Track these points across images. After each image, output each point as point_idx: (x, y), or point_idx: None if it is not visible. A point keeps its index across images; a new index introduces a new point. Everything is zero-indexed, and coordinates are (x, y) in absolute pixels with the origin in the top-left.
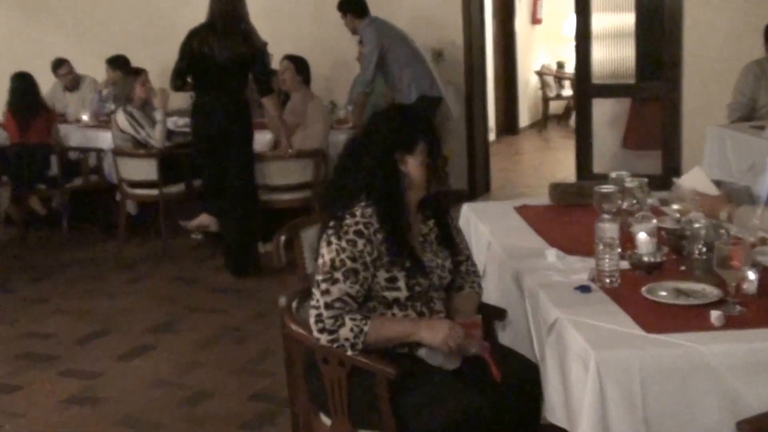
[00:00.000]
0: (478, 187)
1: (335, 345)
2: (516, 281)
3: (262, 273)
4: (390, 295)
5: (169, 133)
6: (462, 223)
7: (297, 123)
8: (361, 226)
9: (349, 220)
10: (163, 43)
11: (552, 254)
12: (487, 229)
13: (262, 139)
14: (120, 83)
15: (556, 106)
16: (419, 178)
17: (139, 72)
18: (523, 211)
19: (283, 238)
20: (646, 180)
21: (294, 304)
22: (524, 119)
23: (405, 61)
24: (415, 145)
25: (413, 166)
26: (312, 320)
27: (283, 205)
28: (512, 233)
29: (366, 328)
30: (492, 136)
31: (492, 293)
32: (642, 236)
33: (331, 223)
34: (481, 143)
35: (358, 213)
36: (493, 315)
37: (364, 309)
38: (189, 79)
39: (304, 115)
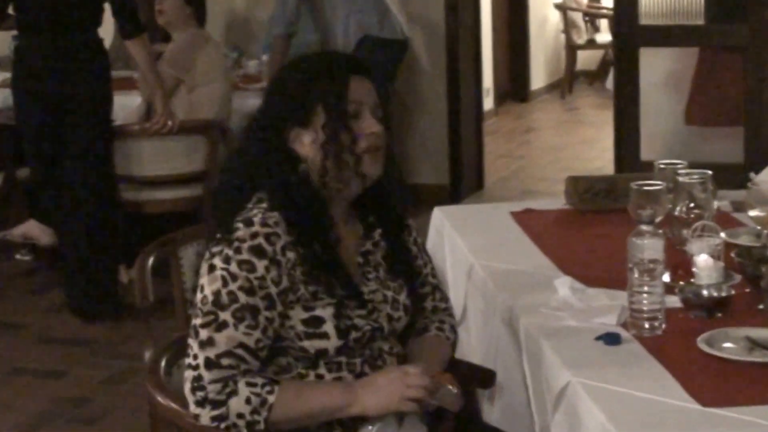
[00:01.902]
0: (466, 182)
1: (223, 425)
2: (510, 327)
3: (123, 314)
4: (312, 345)
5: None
6: (432, 236)
7: (181, 80)
8: (261, 240)
9: (242, 232)
10: None
11: (564, 285)
12: (468, 247)
13: (126, 105)
14: None
15: (586, 59)
16: (319, 167)
17: None
18: (524, 218)
19: (151, 260)
20: (710, 173)
21: (163, 363)
22: (538, 78)
23: None
24: (310, 114)
25: (307, 147)
26: (188, 387)
27: (160, 209)
28: (506, 253)
29: (272, 399)
30: (489, 103)
31: (474, 346)
32: (702, 259)
33: (217, 237)
34: (470, 115)
35: (256, 220)
36: (475, 379)
37: (271, 370)
38: (10, 11)
39: (192, 69)
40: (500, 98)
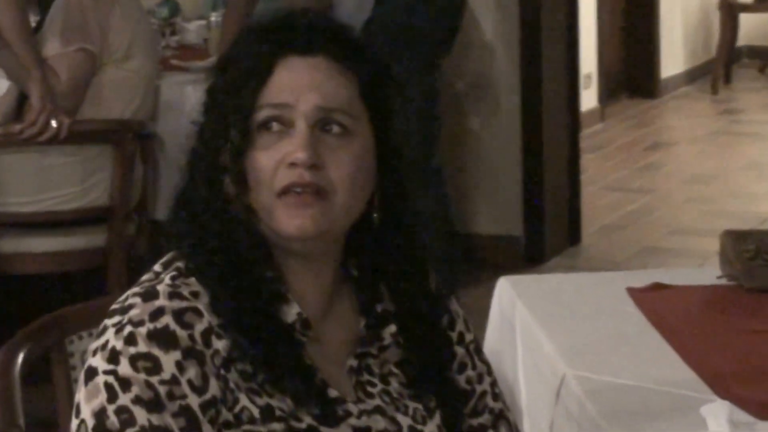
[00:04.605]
0: (552, 234)
1: None
2: None
3: None
4: None
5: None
6: (494, 324)
7: (93, 53)
8: (168, 320)
9: (137, 310)
10: None
11: (718, 414)
12: (556, 346)
13: None
14: None
15: (755, 28)
16: (268, 210)
17: None
18: (649, 300)
19: (21, 357)
20: None
21: None
22: (673, 60)
23: None
24: (227, 129)
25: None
26: None
27: (34, 268)
28: (620, 358)
29: None
30: (590, 100)
31: None
32: None
33: (105, 321)
34: (558, 119)
35: (161, 290)
36: None
37: None
38: None
39: (95, 39)
40: (610, 92)
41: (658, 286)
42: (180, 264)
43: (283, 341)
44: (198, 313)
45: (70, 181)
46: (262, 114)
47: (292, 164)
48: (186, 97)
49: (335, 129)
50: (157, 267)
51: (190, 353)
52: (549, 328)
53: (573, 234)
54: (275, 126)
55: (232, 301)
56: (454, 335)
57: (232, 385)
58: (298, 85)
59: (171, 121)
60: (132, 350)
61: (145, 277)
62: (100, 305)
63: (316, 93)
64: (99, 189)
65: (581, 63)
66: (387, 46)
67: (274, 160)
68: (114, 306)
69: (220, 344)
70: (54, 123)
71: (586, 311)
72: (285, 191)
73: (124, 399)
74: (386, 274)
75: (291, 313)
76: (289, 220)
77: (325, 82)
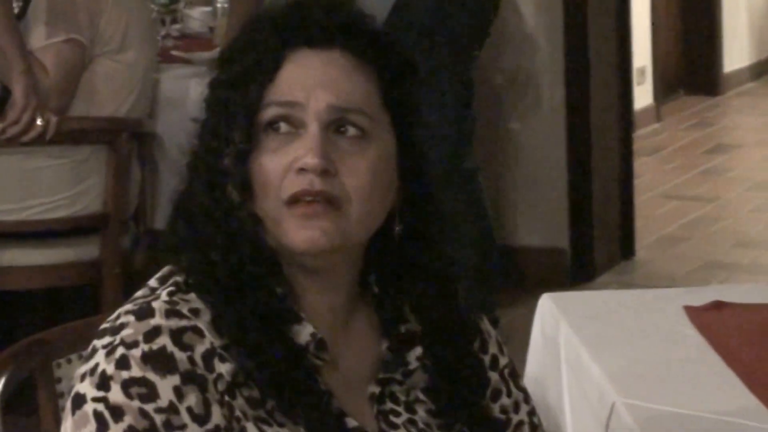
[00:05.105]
0: (602, 246)
1: None
2: None
3: None
4: None
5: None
6: (537, 346)
7: (83, 44)
8: (165, 341)
9: (130, 330)
10: None
11: None
12: (605, 371)
13: None
14: None
15: None
16: (275, 220)
17: None
18: (710, 320)
19: (2, 383)
20: None
21: None
22: (736, 54)
23: None
24: (231, 129)
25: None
26: None
27: (18, 284)
28: (677, 384)
29: None
30: (645, 97)
31: None
32: None
33: (95, 342)
34: (608, 119)
35: (157, 307)
36: None
37: None
38: None
39: (85, 28)
40: (667, 88)
41: (719, 305)
42: (178, 278)
43: (296, 364)
44: (199, 332)
45: (58, 186)
46: (268, 113)
47: (302, 170)
48: (188, 92)
49: (351, 131)
50: (152, 282)
51: (189, 378)
52: (597, 351)
53: (626, 247)
54: (283, 126)
55: (236, 319)
56: (486, 359)
57: (237, 413)
58: (310, 81)
59: (172, 118)
60: (125, 375)
61: (139, 293)
62: (91, 325)
63: (330, 91)
64: (91, 195)
65: (634, 55)
66: (416, 35)
67: (282, 165)
68: (104, 325)
69: (223, 368)
70: (40, 121)
71: (638, 332)
72: (294, 200)
73: (115, 429)
74: (410, 292)
75: (304, 333)
76: (297, 232)
77: (340, 79)
